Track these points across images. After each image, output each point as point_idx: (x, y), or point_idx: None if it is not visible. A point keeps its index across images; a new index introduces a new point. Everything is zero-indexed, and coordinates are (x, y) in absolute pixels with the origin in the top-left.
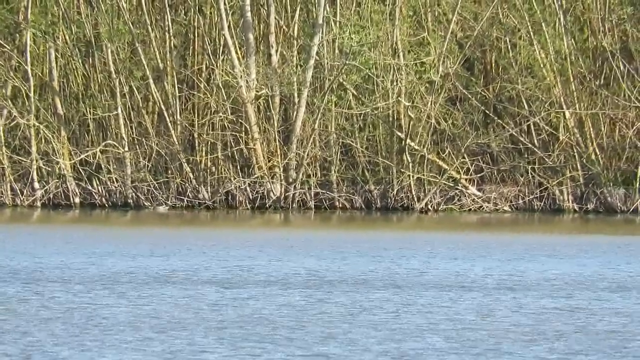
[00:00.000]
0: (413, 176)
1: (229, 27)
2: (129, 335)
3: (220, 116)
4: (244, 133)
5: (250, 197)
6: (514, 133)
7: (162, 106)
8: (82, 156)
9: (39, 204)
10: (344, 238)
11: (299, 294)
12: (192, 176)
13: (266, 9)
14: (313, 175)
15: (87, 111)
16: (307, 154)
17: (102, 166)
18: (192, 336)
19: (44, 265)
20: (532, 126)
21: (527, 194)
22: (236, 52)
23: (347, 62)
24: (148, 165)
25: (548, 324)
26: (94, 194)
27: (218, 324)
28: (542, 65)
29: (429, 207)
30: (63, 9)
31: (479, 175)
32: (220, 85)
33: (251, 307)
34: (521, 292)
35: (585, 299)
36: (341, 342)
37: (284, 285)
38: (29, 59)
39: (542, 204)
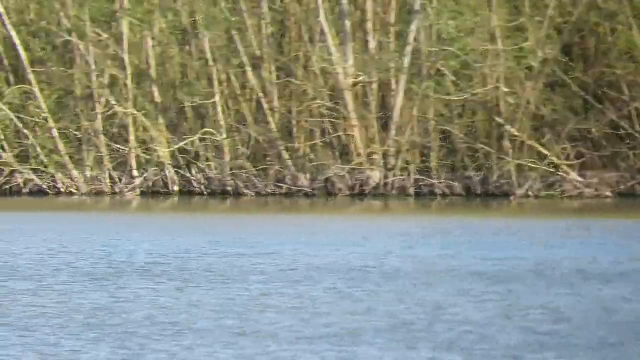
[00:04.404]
0: (513, 162)
1: (325, 14)
2: None
3: (318, 103)
4: (342, 120)
5: (349, 183)
6: (614, 118)
7: (260, 93)
8: (181, 144)
9: (137, 191)
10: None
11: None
12: (290, 163)
13: None
14: (412, 161)
15: (184, 99)
16: (406, 141)
17: (201, 154)
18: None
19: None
20: (632, 111)
21: (628, 179)
22: (333, 39)
23: (444, 48)
24: (246, 153)
25: None
26: (192, 181)
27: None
28: None
29: (529, 193)
30: None
31: (579, 160)
32: (317, 72)
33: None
34: None
35: None
36: None
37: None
38: (125, 47)
39: None
